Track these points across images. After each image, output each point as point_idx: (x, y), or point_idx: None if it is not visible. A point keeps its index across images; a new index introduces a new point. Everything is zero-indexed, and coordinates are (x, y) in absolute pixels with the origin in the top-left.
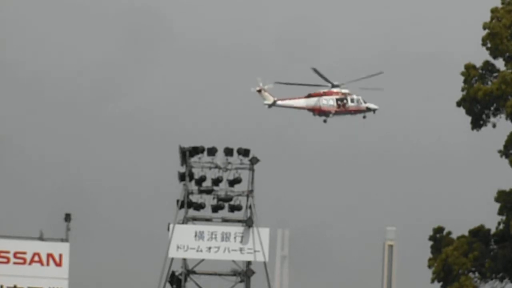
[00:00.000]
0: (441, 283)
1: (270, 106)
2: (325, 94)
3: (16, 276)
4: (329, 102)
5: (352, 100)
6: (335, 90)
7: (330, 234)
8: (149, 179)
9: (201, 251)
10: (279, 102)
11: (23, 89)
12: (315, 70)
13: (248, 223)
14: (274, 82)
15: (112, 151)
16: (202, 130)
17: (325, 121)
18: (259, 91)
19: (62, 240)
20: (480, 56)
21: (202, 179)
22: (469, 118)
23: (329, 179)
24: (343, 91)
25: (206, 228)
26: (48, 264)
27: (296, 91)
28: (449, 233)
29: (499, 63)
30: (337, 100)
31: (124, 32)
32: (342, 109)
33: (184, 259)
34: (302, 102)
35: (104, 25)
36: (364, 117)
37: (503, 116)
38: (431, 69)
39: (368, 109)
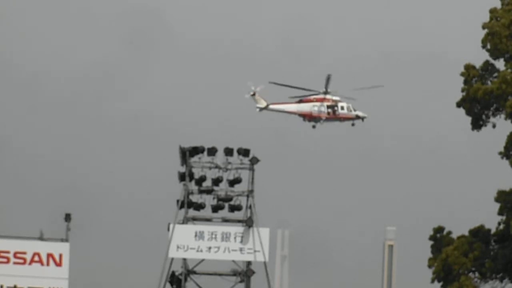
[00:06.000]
0: (441, 283)
1: (261, 109)
2: (316, 100)
3: (16, 276)
4: (320, 108)
5: (342, 108)
6: (326, 96)
7: (330, 234)
8: (149, 179)
9: (201, 251)
10: (271, 106)
11: (23, 89)
12: (275, 83)
13: (248, 223)
14: (268, 82)
15: (112, 151)
16: (202, 130)
17: (314, 126)
18: (253, 95)
19: (62, 240)
20: (480, 56)
21: (202, 179)
22: (469, 118)
23: (329, 179)
24: (334, 98)
25: (206, 228)
26: (48, 264)
27: (290, 93)
28: (449, 233)
29: (499, 63)
30: (327, 106)
31: (124, 32)
32: (332, 115)
33: (184, 259)
34: (293, 107)
35: (104, 25)
36: (352, 124)
37: (503, 116)
38: (431, 69)
39: (358, 117)
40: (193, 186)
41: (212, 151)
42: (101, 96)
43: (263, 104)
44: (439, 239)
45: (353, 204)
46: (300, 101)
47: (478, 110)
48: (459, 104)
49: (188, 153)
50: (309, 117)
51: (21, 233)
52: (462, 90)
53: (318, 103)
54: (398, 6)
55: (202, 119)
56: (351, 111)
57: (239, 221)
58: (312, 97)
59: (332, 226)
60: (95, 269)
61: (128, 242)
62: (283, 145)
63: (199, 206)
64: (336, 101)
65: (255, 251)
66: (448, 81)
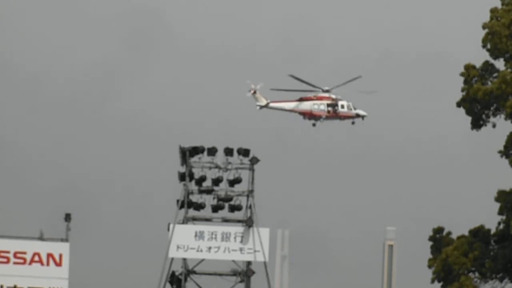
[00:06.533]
0: (441, 283)
1: (261, 107)
2: (316, 98)
3: (16, 276)
4: (320, 106)
5: (342, 106)
6: (326, 95)
7: (330, 234)
8: (149, 179)
9: (201, 251)
10: (271, 105)
11: (23, 89)
12: (294, 76)
13: (248, 223)
14: (270, 89)
15: (112, 151)
16: (202, 130)
17: (314, 125)
18: (253, 93)
19: (62, 240)
20: (480, 56)
21: (202, 179)
22: (469, 118)
23: (329, 179)
24: (334, 96)
25: (206, 228)
26: (48, 264)
27: (290, 94)
28: (449, 233)
29: (499, 63)
30: (328, 105)
31: (124, 32)
32: (333, 114)
33: (184, 259)
34: (293, 105)
35: (104, 25)
36: (352, 123)
37: (503, 116)
38: (431, 69)
39: (358, 115)
40: (193, 186)
41: (212, 151)
42: (101, 96)
43: (263, 102)
44: (439, 239)
45: (353, 204)
46: (301, 99)
47: (478, 110)
48: (459, 104)
49: (188, 153)
50: (309, 115)
51: (21, 233)
52: (462, 90)
53: (318, 102)
54: (398, 6)
55: (202, 119)
56: (351, 109)
57: (239, 221)
58: (312, 95)
59: (332, 226)
60: (95, 269)
61: (128, 242)
62: (283, 145)
63: (199, 206)
64: (336, 100)
65: (255, 251)
66: (448, 81)
